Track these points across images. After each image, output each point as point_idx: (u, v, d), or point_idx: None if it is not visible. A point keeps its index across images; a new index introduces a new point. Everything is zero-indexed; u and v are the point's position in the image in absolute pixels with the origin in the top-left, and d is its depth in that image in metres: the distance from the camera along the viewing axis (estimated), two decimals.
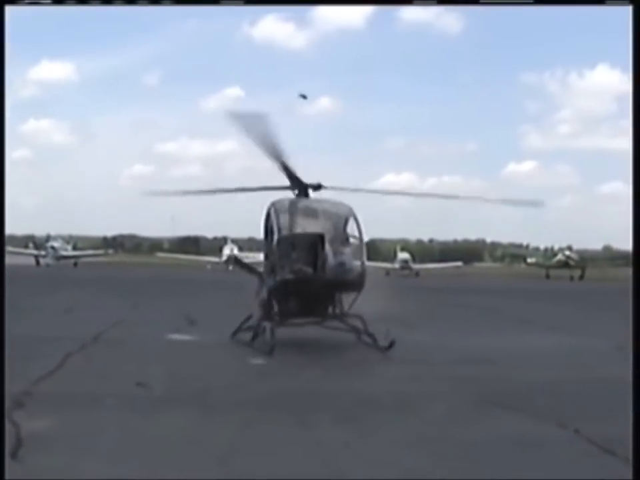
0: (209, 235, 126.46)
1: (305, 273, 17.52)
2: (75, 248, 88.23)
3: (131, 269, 71.54)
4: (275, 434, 9.30)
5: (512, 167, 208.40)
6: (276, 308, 18.39)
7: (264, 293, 18.70)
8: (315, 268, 17.52)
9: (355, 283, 18.14)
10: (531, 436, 9.49)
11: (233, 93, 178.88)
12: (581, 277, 79.41)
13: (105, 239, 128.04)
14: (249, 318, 18.83)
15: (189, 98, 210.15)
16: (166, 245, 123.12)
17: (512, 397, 12.05)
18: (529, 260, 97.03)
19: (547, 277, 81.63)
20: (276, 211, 18.43)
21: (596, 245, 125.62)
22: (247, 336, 18.22)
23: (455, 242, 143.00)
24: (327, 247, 17.51)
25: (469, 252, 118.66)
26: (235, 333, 18.73)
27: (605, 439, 9.06)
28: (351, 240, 18.52)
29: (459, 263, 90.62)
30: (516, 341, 20.14)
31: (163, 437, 8.97)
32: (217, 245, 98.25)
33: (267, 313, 18.29)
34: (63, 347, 15.58)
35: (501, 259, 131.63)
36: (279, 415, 10.48)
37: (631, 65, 8.42)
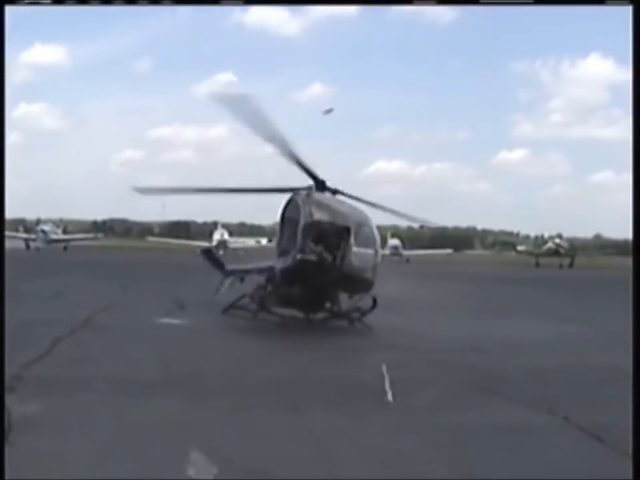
0: (199, 219, 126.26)
1: (325, 258, 17.67)
2: (65, 232, 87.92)
3: (122, 253, 71.35)
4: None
5: (503, 155, 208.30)
6: (275, 291, 18.89)
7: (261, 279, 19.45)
8: (335, 257, 17.81)
9: (366, 282, 18.65)
10: (521, 422, 9.58)
11: (225, 78, 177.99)
12: (570, 265, 79.70)
13: (95, 222, 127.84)
14: (241, 297, 19.62)
15: (181, 84, 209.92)
16: (156, 230, 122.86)
17: (505, 384, 12.14)
18: (519, 248, 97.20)
19: (537, 264, 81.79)
20: (304, 201, 18.57)
21: (586, 233, 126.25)
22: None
23: (446, 229, 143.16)
24: (351, 240, 17.92)
25: (459, 239, 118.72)
26: (226, 310, 19.53)
27: (593, 426, 9.14)
28: (369, 242, 18.97)
29: (450, 250, 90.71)
30: (506, 327, 20.23)
31: (153, 423, 9.00)
32: (207, 229, 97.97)
33: (268, 298, 18.89)
34: (52, 331, 15.56)
35: (492, 246, 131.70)
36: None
37: (631, 65, 8.38)
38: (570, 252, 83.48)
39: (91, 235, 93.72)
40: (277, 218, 19.76)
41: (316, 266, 17.56)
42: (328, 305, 19.01)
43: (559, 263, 79.95)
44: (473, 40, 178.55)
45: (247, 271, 24.33)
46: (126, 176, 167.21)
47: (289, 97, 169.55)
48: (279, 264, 18.61)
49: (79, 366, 12.65)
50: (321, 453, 8.02)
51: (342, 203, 19.53)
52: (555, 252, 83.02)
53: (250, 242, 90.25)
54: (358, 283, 18.44)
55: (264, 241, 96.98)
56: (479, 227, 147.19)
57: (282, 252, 18.84)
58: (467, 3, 13.59)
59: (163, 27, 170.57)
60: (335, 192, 19.67)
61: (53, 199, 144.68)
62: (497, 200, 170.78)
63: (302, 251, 17.61)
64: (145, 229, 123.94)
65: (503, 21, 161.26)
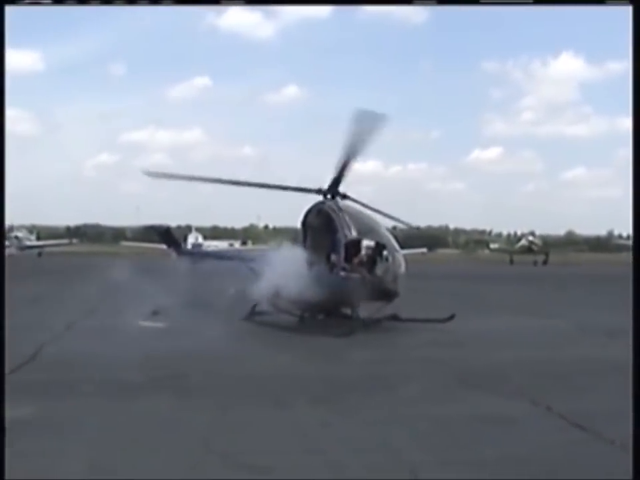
0: (173, 223, 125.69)
1: (365, 276, 18.47)
2: (38, 238, 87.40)
3: (97, 258, 70.88)
4: None
5: (477, 154, 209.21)
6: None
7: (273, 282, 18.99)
8: (372, 273, 18.65)
9: (395, 293, 19.12)
10: (506, 413, 9.82)
11: (201, 82, 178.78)
12: (545, 262, 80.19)
13: (68, 228, 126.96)
14: (256, 304, 19.87)
15: (156, 87, 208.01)
16: (129, 234, 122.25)
17: (489, 377, 12.41)
18: (492, 246, 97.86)
19: (511, 262, 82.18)
20: (337, 214, 19.13)
21: (558, 230, 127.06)
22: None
23: (419, 229, 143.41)
24: (386, 255, 18.99)
25: (432, 238, 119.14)
26: (248, 317, 19.88)
27: (575, 415, 9.41)
28: (397, 255, 19.47)
29: (424, 249, 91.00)
30: (490, 323, 20.51)
31: (140, 423, 9.15)
32: (181, 233, 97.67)
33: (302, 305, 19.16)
34: (36, 336, 15.60)
35: (464, 245, 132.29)
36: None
37: (631, 65, 8.56)
38: (543, 249, 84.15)
39: (65, 241, 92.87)
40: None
41: (357, 283, 18.28)
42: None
43: (534, 260, 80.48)
44: (444, 39, 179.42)
45: (205, 254, 27.66)
46: (99, 181, 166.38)
47: (264, 99, 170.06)
48: (311, 273, 18.61)
49: (66, 369, 12.77)
50: None
51: (367, 214, 19.99)
52: (529, 249, 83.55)
53: (223, 245, 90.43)
54: (388, 294, 18.99)
55: (237, 244, 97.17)
56: (452, 225, 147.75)
57: (311, 261, 18.99)
58: (467, 3, 13.66)
59: (136, 30, 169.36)
60: (344, 197, 19.81)
61: (26, 205, 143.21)
62: (469, 198, 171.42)
63: (344, 269, 18.54)
64: (117, 234, 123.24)
65: (474, 20, 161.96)
